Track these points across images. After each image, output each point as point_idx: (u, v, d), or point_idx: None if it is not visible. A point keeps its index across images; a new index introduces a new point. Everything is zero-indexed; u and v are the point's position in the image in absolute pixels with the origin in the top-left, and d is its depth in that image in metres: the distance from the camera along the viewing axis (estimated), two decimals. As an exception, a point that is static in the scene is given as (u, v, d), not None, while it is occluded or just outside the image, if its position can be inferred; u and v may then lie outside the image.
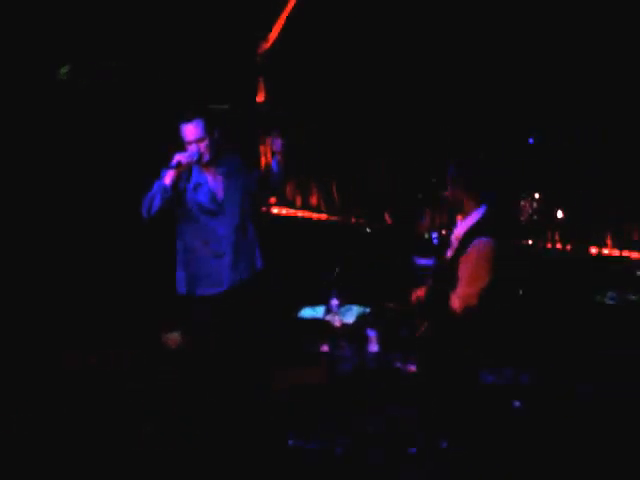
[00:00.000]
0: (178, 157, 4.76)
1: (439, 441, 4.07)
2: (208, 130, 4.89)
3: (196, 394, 4.80)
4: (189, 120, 4.87)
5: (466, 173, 4.44)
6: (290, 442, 4.20)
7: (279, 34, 8.28)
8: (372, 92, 7.69)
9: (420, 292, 4.79)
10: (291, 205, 8.67)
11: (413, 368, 4.53)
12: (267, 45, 8.35)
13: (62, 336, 6.02)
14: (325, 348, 4.90)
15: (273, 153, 5.43)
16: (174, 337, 5.66)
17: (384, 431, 4.17)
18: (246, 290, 5.17)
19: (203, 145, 4.87)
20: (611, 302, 5.97)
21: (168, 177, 4.75)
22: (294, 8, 8.09)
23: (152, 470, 4.35)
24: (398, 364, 4.58)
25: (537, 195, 7.04)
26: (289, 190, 8.64)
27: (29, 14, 6.95)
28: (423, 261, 5.10)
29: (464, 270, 4.31)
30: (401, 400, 4.32)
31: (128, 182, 6.20)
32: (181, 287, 5.14)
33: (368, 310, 5.23)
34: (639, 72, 6.39)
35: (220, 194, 5.02)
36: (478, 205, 4.40)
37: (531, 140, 7.06)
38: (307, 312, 5.39)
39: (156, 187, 4.78)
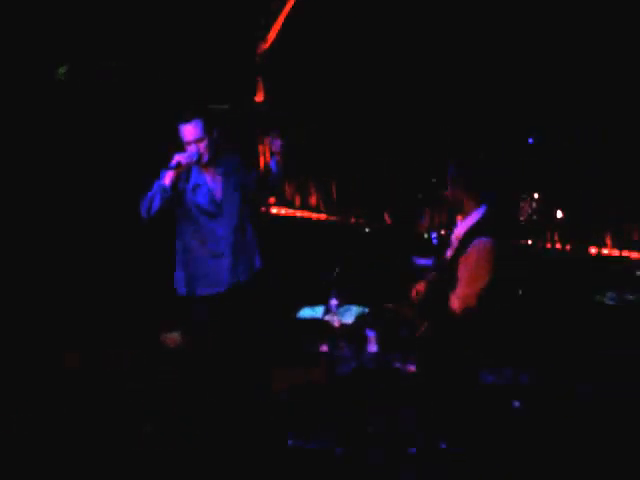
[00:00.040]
0: (177, 157, 4.75)
1: (439, 441, 4.08)
2: (207, 130, 4.88)
3: (196, 394, 4.80)
4: (188, 120, 4.86)
5: (466, 173, 4.44)
6: (290, 442, 4.20)
7: (278, 34, 8.28)
8: (372, 92, 7.69)
9: (420, 287, 4.78)
10: (290, 205, 8.67)
11: (412, 368, 4.52)
12: (266, 45, 8.35)
13: (62, 336, 6.01)
14: (324, 348, 4.90)
15: (272, 153, 5.42)
16: (173, 337, 5.67)
17: (384, 431, 4.17)
18: (245, 290, 5.16)
19: (202, 145, 4.86)
20: (611, 302, 5.97)
21: (167, 177, 4.74)
22: (293, 8, 8.09)
23: (152, 470, 4.35)
24: (397, 364, 4.57)
25: (537, 195, 7.04)
26: (288, 190, 8.64)
27: (28, 14, 6.95)
28: (422, 261, 5.10)
29: (464, 270, 4.31)
30: (401, 400, 4.32)
31: (128, 182, 6.20)
32: (180, 287, 5.13)
33: (367, 310, 5.22)
34: (639, 72, 6.39)
35: (219, 195, 5.01)
36: (478, 205, 4.40)
37: (531, 140, 7.06)
38: (306, 312, 5.39)
39: (155, 187, 4.76)
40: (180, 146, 4.91)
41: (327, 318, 5.09)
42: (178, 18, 7.48)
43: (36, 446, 4.60)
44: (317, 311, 5.27)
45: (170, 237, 5.13)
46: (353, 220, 8.21)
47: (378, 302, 5.29)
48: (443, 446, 4.05)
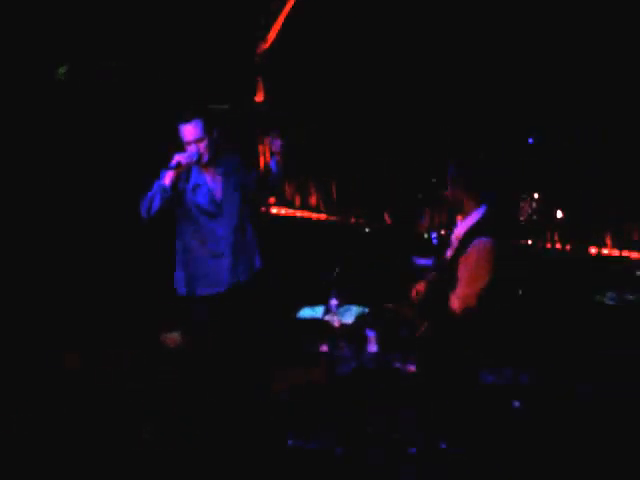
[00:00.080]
0: (178, 157, 4.74)
1: (439, 441, 4.08)
2: (207, 130, 4.88)
3: (196, 394, 4.80)
4: (188, 120, 4.85)
5: (466, 173, 4.44)
6: (290, 442, 4.20)
7: (278, 34, 8.28)
8: (371, 92, 7.68)
9: (420, 287, 4.78)
10: (290, 205, 8.66)
11: (412, 368, 4.52)
12: (266, 45, 8.35)
13: (62, 336, 6.01)
14: (324, 348, 4.90)
15: (272, 153, 5.42)
16: (173, 337, 5.67)
17: (384, 431, 4.17)
18: (245, 290, 5.16)
19: (202, 145, 4.85)
20: (611, 302, 5.97)
21: (167, 177, 4.73)
22: (293, 8, 8.09)
23: (152, 470, 4.35)
24: (397, 364, 4.57)
25: (536, 195, 7.04)
26: (288, 190, 8.63)
27: (28, 14, 6.95)
28: (422, 261, 5.10)
29: (464, 270, 4.31)
30: (400, 400, 4.32)
31: (128, 182, 6.20)
32: (180, 287, 5.13)
33: (367, 310, 5.22)
34: (639, 72, 6.39)
35: (219, 195, 5.01)
36: (478, 205, 4.40)
37: (531, 140, 7.06)
38: (306, 312, 5.39)
39: (155, 187, 4.76)
40: (180, 146, 4.91)
41: (327, 318, 5.09)
42: (178, 18, 7.48)
43: (36, 446, 4.60)
44: (317, 311, 5.27)
45: (170, 237, 5.13)
46: (353, 220, 8.21)
47: (378, 302, 5.29)
48: (443, 446, 4.06)
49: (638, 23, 6.32)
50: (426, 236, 7.25)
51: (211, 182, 4.99)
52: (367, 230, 7.99)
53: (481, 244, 4.27)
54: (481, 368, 4.30)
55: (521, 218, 7.04)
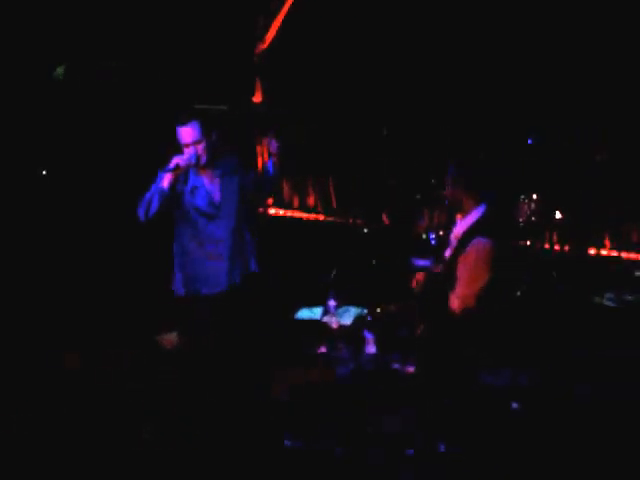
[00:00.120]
0: (176, 160, 4.74)
1: (438, 442, 4.08)
2: (205, 132, 4.87)
3: (196, 394, 4.80)
4: (186, 123, 4.85)
5: (466, 172, 4.44)
6: (290, 443, 4.20)
7: (276, 35, 8.27)
8: (370, 92, 7.68)
9: (420, 276, 4.77)
10: (288, 206, 8.66)
11: (411, 369, 4.53)
12: (264, 46, 8.35)
13: (62, 336, 6.01)
14: (323, 350, 4.91)
15: (269, 154, 5.42)
16: (171, 338, 5.66)
17: (383, 432, 4.17)
18: (243, 291, 5.16)
19: (200, 147, 4.84)
20: (609, 303, 5.97)
21: (166, 180, 4.73)
22: (291, 8, 8.09)
23: (152, 470, 4.35)
24: (396, 365, 4.58)
25: (535, 196, 7.04)
26: (286, 191, 8.63)
27: (28, 14, 6.94)
28: (421, 262, 5.09)
29: (463, 270, 4.31)
30: (400, 401, 4.32)
31: (127, 182, 6.20)
32: (179, 289, 5.13)
33: (365, 311, 5.22)
34: (639, 72, 6.40)
35: (217, 197, 5.00)
36: (478, 204, 4.40)
37: (530, 140, 7.06)
38: (304, 313, 5.39)
39: (153, 190, 4.76)
40: (179, 147, 4.90)
41: (325, 319, 5.10)
42: (177, 18, 7.47)
43: (36, 446, 4.60)
44: (315, 312, 5.27)
45: (168, 238, 5.13)
46: (351, 221, 8.20)
47: (376, 303, 5.29)
48: (442, 447, 4.06)
49: (638, 23, 6.33)
50: (424, 237, 7.24)
51: (209, 184, 4.98)
52: (365, 231, 7.99)
53: (480, 244, 4.27)
54: (480, 369, 4.31)
55: (520, 219, 7.04)
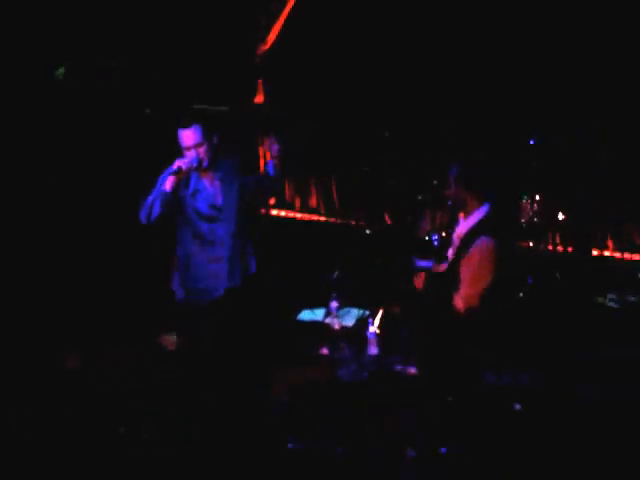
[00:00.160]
0: (178, 163, 4.73)
1: (439, 442, 4.08)
2: (206, 135, 4.86)
3: (196, 395, 4.79)
4: (187, 126, 4.84)
5: (469, 172, 4.43)
6: (290, 443, 4.20)
7: (278, 36, 8.27)
8: (372, 93, 7.68)
9: (422, 277, 4.76)
10: (290, 207, 8.65)
11: (413, 370, 4.53)
12: (266, 47, 8.34)
13: (62, 336, 6.00)
14: (325, 351, 4.90)
15: (271, 156, 5.41)
16: (171, 339, 5.65)
17: (384, 432, 4.17)
18: (243, 293, 5.15)
19: (202, 150, 4.82)
20: (612, 304, 5.97)
21: (168, 183, 4.72)
22: (292, 10, 8.09)
23: (152, 470, 4.34)
24: (398, 367, 4.58)
25: (538, 197, 7.03)
26: (288, 192, 8.62)
27: (28, 14, 6.94)
28: (423, 263, 5.09)
29: (466, 270, 4.30)
30: (401, 401, 4.32)
31: (127, 183, 6.20)
32: (179, 291, 5.12)
33: (367, 313, 5.22)
34: (639, 72, 6.40)
35: (219, 200, 4.99)
36: (481, 204, 4.39)
37: (532, 141, 7.06)
38: (306, 314, 5.39)
39: (155, 193, 4.75)
40: (180, 148, 4.89)
41: (327, 320, 5.10)
42: (178, 19, 7.47)
43: (36, 446, 4.59)
44: (317, 313, 5.27)
45: (169, 239, 5.12)
46: (353, 222, 8.20)
47: (378, 304, 5.29)
48: (443, 447, 4.06)
49: (638, 23, 6.33)
50: (426, 238, 7.23)
51: (210, 187, 4.97)
52: (367, 232, 7.98)
53: (483, 244, 4.26)
54: (483, 369, 4.30)
55: (522, 220, 7.03)
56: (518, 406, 4.34)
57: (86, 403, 5.03)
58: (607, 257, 6.90)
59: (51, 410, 4.98)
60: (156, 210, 4.70)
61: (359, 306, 5.37)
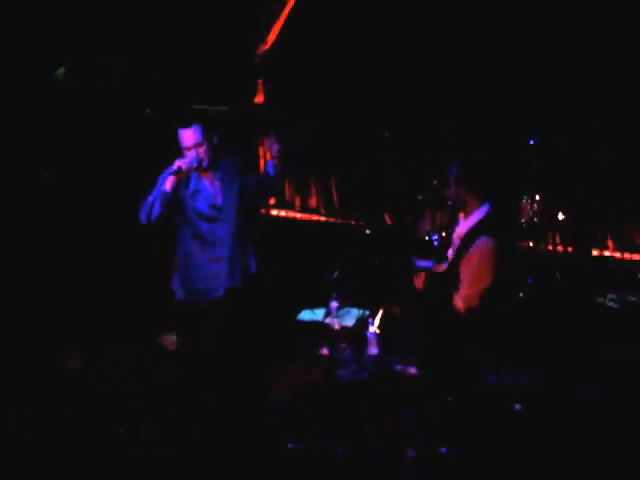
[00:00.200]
0: (178, 163, 4.73)
1: (439, 442, 4.08)
2: (206, 135, 4.85)
3: (196, 395, 4.79)
4: (187, 126, 4.83)
5: (469, 172, 4.43)
6: (290, 443, 4.20)
7: (278, 36, 8.27)
8: (372, 93, 7.68)
9: (422, 277, 4.76)
10: (290, 207, 8.65)
11: (413, 370, 4.53)
12: (266, 47, 8.34)
13: (62, 336, 6.00)
14: (325, 351, 4.90)
15: (271, 156, 5.40)
16: (171, 339, 5.65)
17: (384, 432, 4.17)
18: (244, 293, 5.15)
19: (202, 150, 4.82)
20: (612, 304, 5.97)
21: (168, 183, 4.72)
22: (292, 10, 8.09)
23: (152, 470, 4.34)
24: (398, 367, 4.57)
25: (538, 197, 7.03)
26: (288, 192, 8.62)
27: (28, 14, 6.94)
28: (423, 263, 5.09)
29: (466, 270, 4.30)
30: (401, 401, 4.32)
31: (127, 183, 6.19)
32: (180, 291, 5.12)
33: (368, 313, 5.21)
34: (639, 72, 6.40)
35: (219, 200, 4.98)
36: (481, 204, 4.40)
37: (532, 141, 7.06)
38: (306, 315, 5.38)
39: (155, 193, 4.75)
40: (180, 148, 4.89)
41: (327, 320, 5.09)
42: (178, 19, 7.47)
43: (36, 446, 4.59)
44: (317, 313, 5.27)
45: (170, 239, 5.12)
46: (353, 222, 8.19)
47: (378, 304, 5.29)
48: (443, 447, 4.05)
49: (638, 23, 6.33)
50: (426, 238, 7.23)
51: (210, 187, 4.96)
52: (367, 232, 7.98)
53: (483, 244, 4.26)
54: (483, 369, 4.31)
55: (522, 220, 7.03)
56: (518, 406, 4.34)
57: (86, 403, 5.03)
58: (607, 257, 6.90)
59: (51, 410, 4.98)
60: (156, 210, 4.70)
61: (359, 306, 5.36)
